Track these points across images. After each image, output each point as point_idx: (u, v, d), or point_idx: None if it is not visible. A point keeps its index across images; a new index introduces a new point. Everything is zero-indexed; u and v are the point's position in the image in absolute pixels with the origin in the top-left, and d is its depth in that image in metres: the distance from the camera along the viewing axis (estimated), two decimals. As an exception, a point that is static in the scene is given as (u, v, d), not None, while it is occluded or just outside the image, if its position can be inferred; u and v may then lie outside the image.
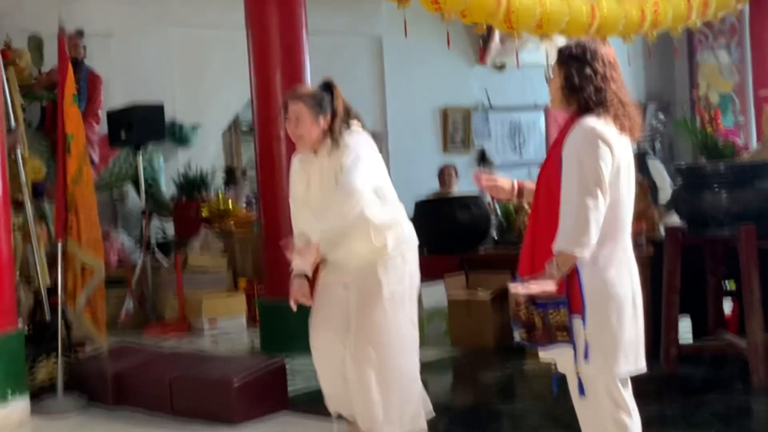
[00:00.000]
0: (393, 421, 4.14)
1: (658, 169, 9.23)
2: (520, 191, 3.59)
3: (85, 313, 5.93)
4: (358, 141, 4.06)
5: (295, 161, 4.31)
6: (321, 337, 4.23)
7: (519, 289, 3.14)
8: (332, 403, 4.38)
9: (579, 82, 3.22)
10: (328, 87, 4.14)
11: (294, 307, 4.20)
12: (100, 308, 6.02)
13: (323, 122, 4.06)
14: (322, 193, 4.08)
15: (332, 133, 4.06)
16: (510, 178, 3.63)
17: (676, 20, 9.57)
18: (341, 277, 4.20)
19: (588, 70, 3.21)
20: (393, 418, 4.13)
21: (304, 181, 4.21)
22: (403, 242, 4.14)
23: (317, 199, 4.11)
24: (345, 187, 3.91)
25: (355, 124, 4.14)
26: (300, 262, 4.13)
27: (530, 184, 3.59)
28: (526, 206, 7.18)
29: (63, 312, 5.89)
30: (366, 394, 4.10)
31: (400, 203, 4.26)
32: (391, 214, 4.14)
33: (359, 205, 3.93)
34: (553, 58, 3.35)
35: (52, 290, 6.21)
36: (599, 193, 3.11)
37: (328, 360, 4.23)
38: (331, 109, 4.09)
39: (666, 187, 8.75)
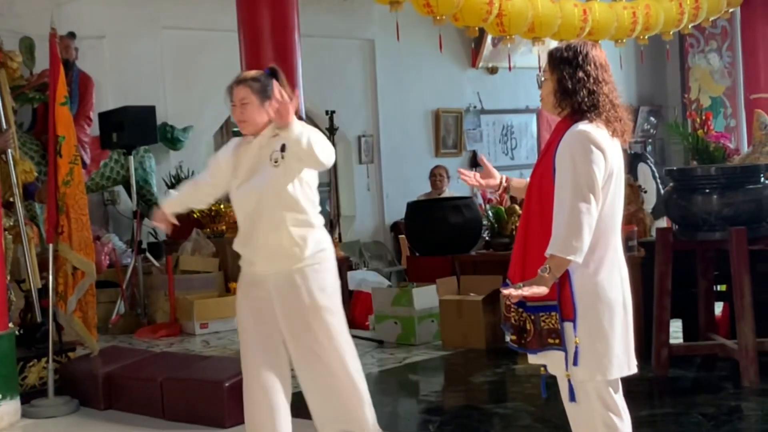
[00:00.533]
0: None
1: (645, 174, 9.26)
2: (507, 186, 3.60)
3: (75, 315, 5.93)
4: (303, 124, 3.92)
5: (231, 143, 4.17)
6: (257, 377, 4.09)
7: (511, 292, 3.13)
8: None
9: (572, 85, 3.21)
10: (273, 73, 4.04)
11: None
12: (91, 310, 6.02)
13: (268, 107, 3.92)
14: (255, 173, 3.94)
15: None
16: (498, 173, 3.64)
17: (668, 24, 9.60)
18: (257, 291, 4.04)
19: (580, 73, 3.21)
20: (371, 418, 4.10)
21: (231, 164, 4.05)
22: (320, 249, 3.99)
23: (250, 184, 3.95)
24: (307, 138, 3.76)
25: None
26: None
27: (516, 182, 3.61)
28: (518, 209, 7.21)
29: (54, 314, 5.88)
30: (339, 397, 4.05)
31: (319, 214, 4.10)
32: (312, 216, 3.99)
33: (325, 150, 3.80)
34: (545, 61, 3.35)
35: (42, 292, 6.20)
36: (592, 198, 3.11)
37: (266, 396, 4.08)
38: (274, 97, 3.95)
39: (651, 192, 8.79)
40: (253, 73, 4.08)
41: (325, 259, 4.02)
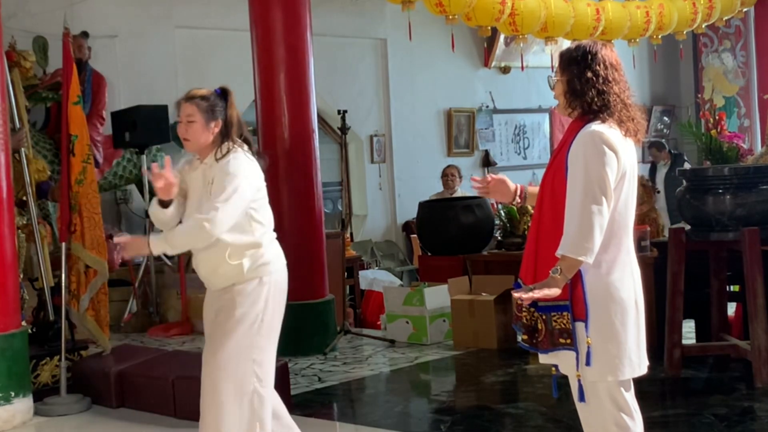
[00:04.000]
0: None
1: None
2: (523, 194, 3.56)
3: (88, 313, 5.95)
4: (239, 165, 3.84)
5: (182, 161, 4.12)
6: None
7: (522, 295, 3.13)
8: None
9: (580, 86, 3.20)
10: (224, 94, 3.98)
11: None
12: (103, 309, 6.04)
13: (214, 128, 3.89)
14: (193, 201, 3.91)
15: (220, 144, 3.89)
16: (514, 183, 3.60)
17: (682, 23, 9.58)
18: (210, 300, 4.01)
19: (589, 74, 3.19)
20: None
21: (183, 181, 4.00)
22: (261, 265, 3.90)
23: (190, 205, 3.93)
24: (204, 217, 3.73)
25: (242, 147, 3.94)
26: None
27: (533, 189, 3.57)
28: (530, 209, 7.19)
29: (66, 312, 5.90)
30: (204, 401, 3.89)
31: (271, 228, 4.01)
32: (255, 236, 3.89)
33: (211, 237, 3.75)
34: (557, 61, 3.35)
35: (55, 290, 6.22)
36: (604, 199, 3.10)
37: None
38: (224, 118, 3.92)
39: None
40: (203, 91, 3.99)
41: (267, 273, 3.91)
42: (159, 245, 3.82)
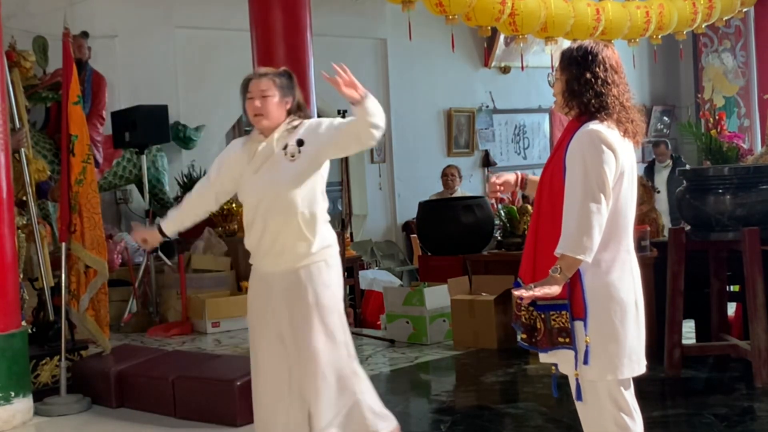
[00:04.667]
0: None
1: None
2: (524, 183, 3.59)
3: (88, 313, 5.95)
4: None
5: (237, 143, 4.16)
6: (266, 374, 4.07)
7: (522, 293, 3.13)
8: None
9: (578, 86, 3.21)
10: (289, 74, 4.04)
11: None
12: (103, 309, 6.04)
13: (287, 105, 3.94)
14: (270, 174, 3.91)
15: (291, 118, 3.94)
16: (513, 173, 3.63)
17: (681, 23, 9.58)
18: (264, 288, 4.03)
19: (588, 75, 3.19)
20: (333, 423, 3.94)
21: (242, 160, 4.03)
22: (326, 245, 3.96)
23: (264, 180, 3.93)
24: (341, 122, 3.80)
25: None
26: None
27: (533, 179, 3.59)
28: (530, 209, 7.20)
29: (66, 312, 5.90)
30: (315, 408, 3.94)
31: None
32: (322, 212, 3.95)
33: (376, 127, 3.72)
34: (557, 61, 3.35)
35: (55, 290, 6.22)
36: (602, 197, 3.10)
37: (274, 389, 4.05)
38: (293, 95, 3.98)
39: None
40: (274, 68, 4.05)
41: (331, 256, 3.98)
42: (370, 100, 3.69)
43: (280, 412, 4.02)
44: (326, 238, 3.97)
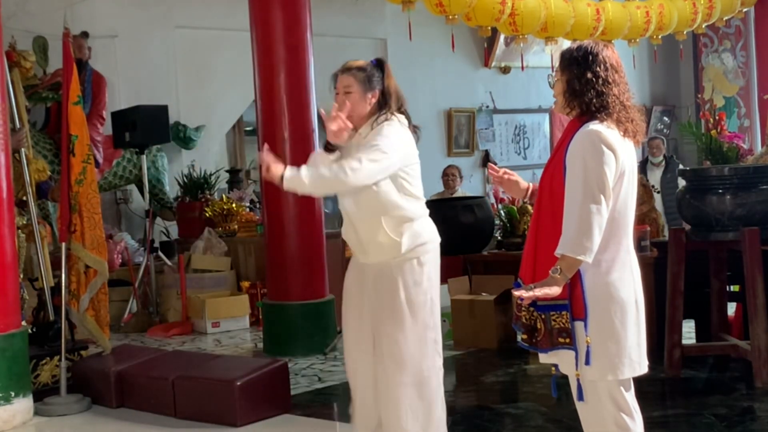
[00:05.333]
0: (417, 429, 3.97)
1: None
2: (533, 194, 3.58)
3: (88, 313, 5.95)
4: (393, 129, 3.88)
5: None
6: (352, 356, 4.11)
7: (522, 294, 3.13)
8: (359, 421, 4.15)
9: (579, 86, 3.21)
10: (380, 64, 4.02)
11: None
12: (103, 309, 6.04)
13: (371, 99, 3.93)
14: None
15: (377, 115, 3.91)
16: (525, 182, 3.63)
17: (682, 23, 9.58)
18: (359, 276, 4.05)
19: (589, 75, 3.19)
20: (417, 427, 3.96)
21: (338, 153, 4.00)
22: (420, 243, 3.97)
23: None
24: (348, 163, 3.74)
25: (401, 118, 3.97)
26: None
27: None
28: (530, 209, 7.20)
29: (66, 312, 5.90)
30: (394, 406, 3.94)
31: (423, 202, 4.05)
32: (409, 209, 3.93)
33: (347, 185, 3.74)
34: (558, 61, 3.35)
35: (55, 290, 6.22)
36: (602, 198, 3.10)
37: (361, 376, 4.07)
38: (381, 88, 3.96)
39: None
40: (359, 62, 4.03)
41: (424, 253, 3.98)
42: (293, 179, 3.75)
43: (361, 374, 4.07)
44: (419, 235, 3.96)
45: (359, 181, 3.75)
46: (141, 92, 9.40)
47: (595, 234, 3.09)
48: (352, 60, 4.06)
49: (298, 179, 3.76)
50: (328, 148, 3.96)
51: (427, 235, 4.02)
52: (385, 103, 3.96)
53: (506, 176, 3.60)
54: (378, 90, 3.95)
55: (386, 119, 3.91)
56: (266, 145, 3.84)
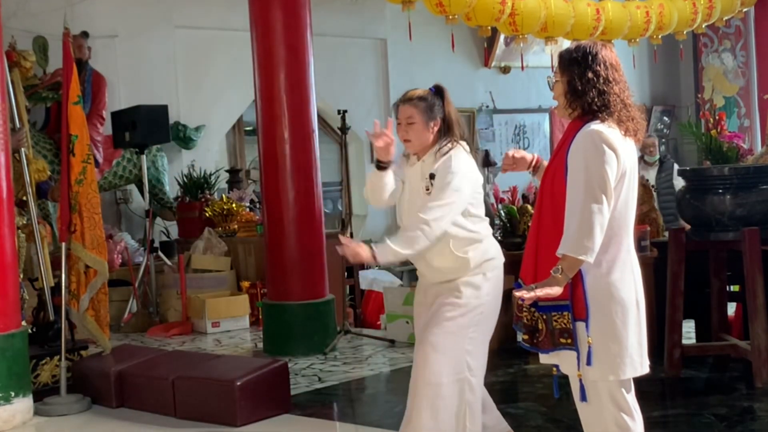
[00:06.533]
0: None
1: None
2: (537, 166, 3.61)
3: (88, 313, 5.95)
4: (460, 162, 3.88)
5: (402, 157, 4.13)
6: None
7: (524, 294, 3.13)
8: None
9: (581, 86, 3.21)
10: (439, 91, 4.04)
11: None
12: (103, 309, 6.03)
13: (434, 128, 3.94)
14: (412, 197, 3.97)
15: (440, 142, 3.93)
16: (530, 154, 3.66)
17: (682, 23, 9.58)
18: (426, 299, 4.10)
19: (589, 74, 3.20)
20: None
21: (400, 176, 4.06)
22: (487, 258, 3.98)
23: (408, 201, 4.00)
24: (423, 219, 3.77)
25: (464, 145, 3.97)
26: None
27: (545, 162, 3.59)
28: (530, 209, 7.20)
29: (66, 312, 5.90)
30: (412, 392, 3.99)
31: (488, 222, 4.06)
32: (476, 230, 3.96)
33: (432, 239, 3.79)
34: (557, 62, 3.35)
35: (55, 290, 6.22)
36: (604, 198, 3.10)
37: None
38: (442, 116, 3.97)
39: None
40: (419, 91, 4.04)
41: (492, 268, 3.98)
42: (386, 254, 3.77)
43: None
44: (485, 252, 3.97)
45: (444, 227, 3.81)
46: (141, 92, 9.40)
47: (597, 234, 3.09)
48: (411, 90, 4.08)
49: (391, 251, 3.78)
50: (381, 166, 3.99)
51: (493, 252, 4.04)
52: (448, 130, 3.97)
53: (518, 155, 3.62)
54: (440, 118, 3.97)
55: (450, 148, 3.92)
56: (343, 238, 3.80)
